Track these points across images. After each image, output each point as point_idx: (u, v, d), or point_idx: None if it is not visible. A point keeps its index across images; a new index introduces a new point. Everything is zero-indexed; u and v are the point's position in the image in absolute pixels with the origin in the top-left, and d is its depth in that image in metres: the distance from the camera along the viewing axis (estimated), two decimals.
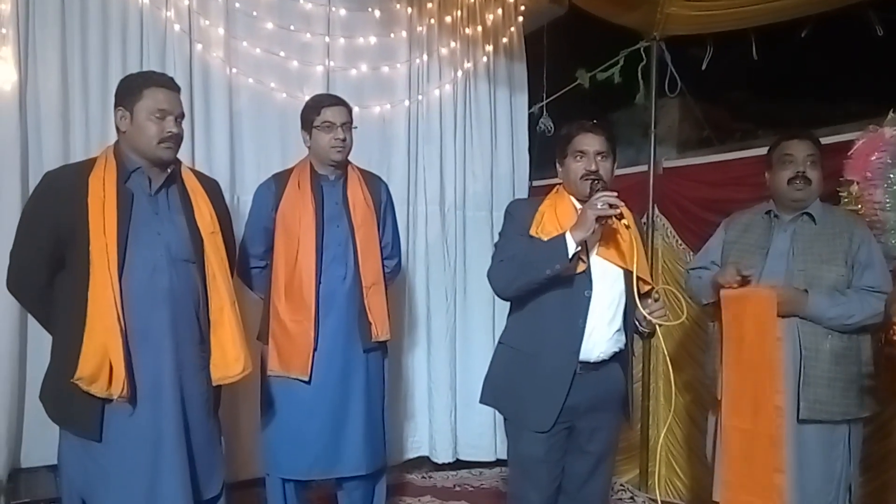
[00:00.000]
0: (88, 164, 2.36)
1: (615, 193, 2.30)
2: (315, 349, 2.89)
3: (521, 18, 4.45)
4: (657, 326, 2.41)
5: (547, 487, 2.51)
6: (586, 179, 2.43)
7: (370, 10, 4.03)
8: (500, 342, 2.66)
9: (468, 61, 4.32)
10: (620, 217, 2.29)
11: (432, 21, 4.20)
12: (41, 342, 2.90)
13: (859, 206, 2.76)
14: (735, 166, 3.62)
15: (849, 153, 2.79)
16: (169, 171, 2.41)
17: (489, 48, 4.37)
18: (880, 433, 2.82)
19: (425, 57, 4.20)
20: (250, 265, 3.05)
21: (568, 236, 2.31)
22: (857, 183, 2.76)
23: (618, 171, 4.17)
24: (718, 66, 4.02)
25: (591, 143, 2.47)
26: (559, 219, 2.47)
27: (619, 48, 4.23)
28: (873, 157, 2.72)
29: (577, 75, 4.44)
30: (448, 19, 4.22)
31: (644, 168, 4.08)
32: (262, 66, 3.79)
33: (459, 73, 4.31)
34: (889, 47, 3.42)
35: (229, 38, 3.69)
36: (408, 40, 4.14)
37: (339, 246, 2.97)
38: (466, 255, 4.33)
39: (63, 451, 2.37)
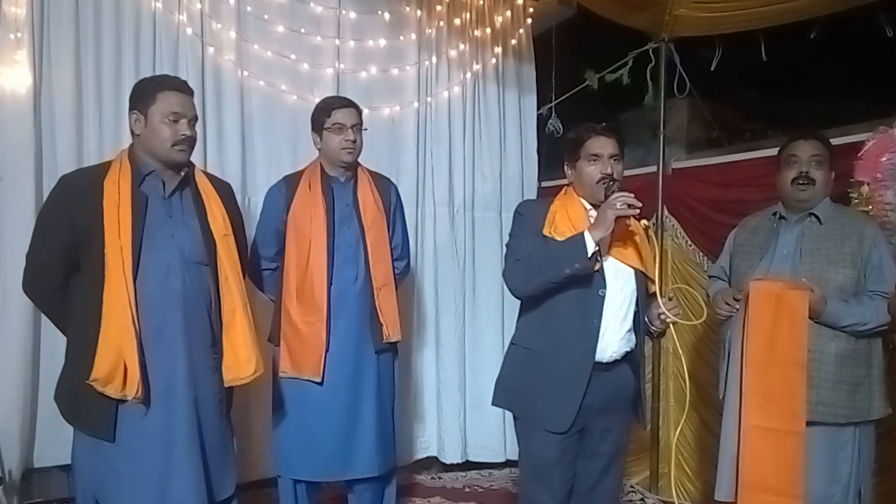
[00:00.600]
0: (103, 168, 2.38)
1: (632, 194, 2.31)
2: (327, 350, 2.91)
3: (529, 20, 4.46)
4: (670, 326, 2.42)
5: (560, 490, 2.51)
6: (602, 183, 2.45)
7: (380, 12, 4.05)
8: (512, 343, 2.67)
9: (477, 63, 4.34)
10: (640, 218, 2.30)
11: (441, 23, 4.21)
12: (54, 343, 2.94)
13: (869, 207, 2.76)
14: (744, 167, 3.61)
15: (859, 154, 2.79)
16: (182, 174, 2.43)
17: (498, 50, 4.38)
18: (892, 435, 2.80)
19: (434, 59, 4.21)
20: (261, 267, 3.06)
21: (587, 235, 2.32)
22: (868, 184, 2.76)
23: (627, 172, 4.17)
24: (727, 66, 4.01)
25: (604, 145, 2.48)
26: (571, 219, 2.48)
27: (627, 49, 4.23)
28: (883, 159, 2.73)
29: (585, 76, 4.44)
30: (457, 21, 4.23)
31: (653, 169, 4.08)
32: (273, 68, 3.81)
33: (468, 75, 4.32)
34: None
35: (241, 42, 3.71)
36: (417, 43, 4.15)
37: (349, 247, 2.98)
38: (475, 256, 4.34)
39: (77, 451, 2.39)
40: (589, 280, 2.40)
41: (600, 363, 2.44)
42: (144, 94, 2.39)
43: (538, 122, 4.60)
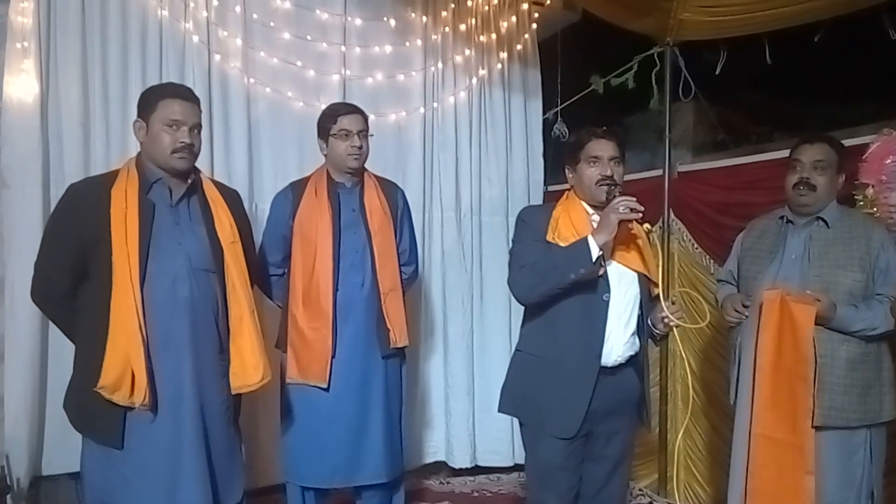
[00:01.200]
0: (111, 176, 2.40)
1: (634, 198, 2.32)
2: (333, 356, 2.91)
3: (534, 25, 4.46)
4: (673, 329, 2.42)
5: (566, 495, 2.52)
6: (602, 185, 2.45)
7: (385, 19, 4.06)
8: (517, 350, 2.67)
9: (483, 68, 4.34)
10: (643, 222, 2.31)
11: (447, 29, 4.22)
12: (62, 351, 2.95)
13: (874, 209, 2.75)
14: (750, 170, 3.60)
15: (864, 156, 2.78)
16: (189, 181, 2.45)
17: (503, 55, 4.39)
18: None
19: (440, 65, 4.22)
20: (268, 273, 3.06)
21: (590, 240, 2.33)
22: (873, 186, 2.76)
23: (633, 176, 4.23)
24: (732, 69, 4.01)
25: (604, 148, 2.49)
26: (574, 224, 2.49)
27: (632, 54, 4.24)
28: (888, 161, 2.72)
29: (591, 81, 4.45)
30: (462, 27, 4.24)
31: (659, 172, 4.08)
32: (279, 75, 3.82)
33: (474, 81, 4.32)
34: None
35: (247, 49, 3.72)
36: (423, 48, 4.16)
37: (356, 253, 2.99)
38: (483, 261, 4.34)
39: (85, 458, 2.40)
40: (593, 285, 2.40)
41: (605, 367, 2.44)
42: (147, 101, 2.41)
43: (544, 127, 4.60)
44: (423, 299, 4.17)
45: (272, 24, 3.80)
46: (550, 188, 4.54)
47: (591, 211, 2.53)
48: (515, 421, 2.78)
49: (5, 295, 3.13)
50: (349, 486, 3.08)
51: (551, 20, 4.47)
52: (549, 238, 2.48)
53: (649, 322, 2.48)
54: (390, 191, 3.17)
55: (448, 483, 4.23)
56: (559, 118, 4.57)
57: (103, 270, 2.27)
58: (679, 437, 3.82)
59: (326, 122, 3.01)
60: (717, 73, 4.02)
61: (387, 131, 4.02)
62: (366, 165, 3.09)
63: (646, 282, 2.50)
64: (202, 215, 2.45)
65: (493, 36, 4.34)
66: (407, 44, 4.13)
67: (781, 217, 2.74)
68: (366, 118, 3.06)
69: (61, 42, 3.29)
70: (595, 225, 2.42)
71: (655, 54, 4.11)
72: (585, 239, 2.34)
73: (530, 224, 2.58)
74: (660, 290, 2.39)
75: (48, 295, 2.45)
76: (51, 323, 2.78)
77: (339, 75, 3.96)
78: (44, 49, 3.23)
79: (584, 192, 2.54)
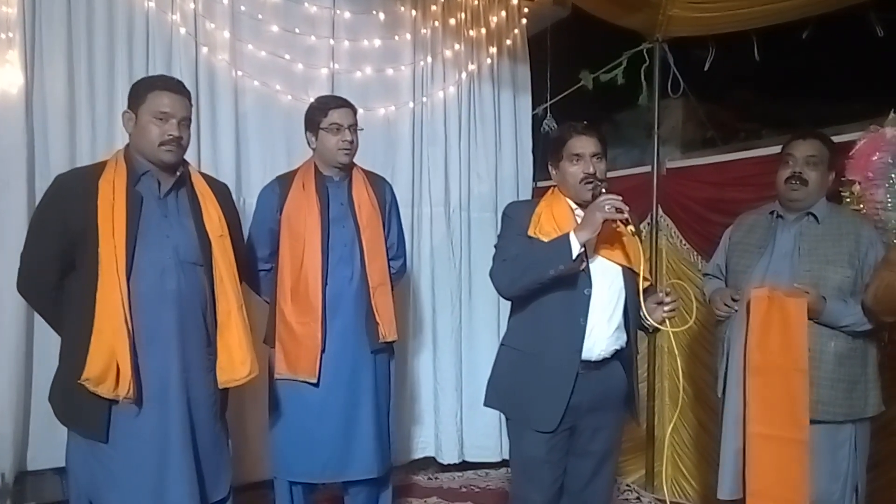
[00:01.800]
0: (99, 167, 2.38)
1: (620, 197, 2.31)
2: (323, 351, 2.89)
3: (524, 21, 4.46)
4: (667, 321, 2.41)
5: (549, 488, 2.52)
6: (587, 182, 2.45)
7: (374, 13, 4.04)
8: (502, 344, 2.67)
9: (472, 63, 4.34)
10: (627, 222, 2.30)
11: (436, 24, 4.21)
12: (48, 345, 2.92)
13: (861, 205, 2.77)
14: (738, 166, 3.63)
15: (850, 153, 2.80)
16: (178, 173, 2.43)
17: (493, 50, 4.39)
18: (886, 431, 2.81)
19: (429, 59, 4.21)
20: (256, 268, 3.04)
21: (572, 236, 2.31)
22: (859, 183, 2.78)
23: (621, 172, 4.24)
24: (721, 66, 4.03)
25: (585, 145, 2.48)
26: (556, 220, 2.48)
27: (621, 50, 4.24)
28: (875, 157, 2.74)
29: (580, 77, 4.46)
30: (452, 22, 4.23)
31: (647, 169, 4.09)
32: (267, 68, 3.80)
33: (463, 75, 4.32)
34: (889, 47, 3.43)
35: (235, 41, 3.70)
36: (412, 43, 4.15)
37: (344, 247, 2.97)
38: (471, 256, 4.34)
39: (70, 452, 2.39)
40: (574, 280, 2.40)
41: (588, 362, 2.43)
42: (137, 93, 2.39)
43: (533, 123, 4.61)
44: (411, 295, 4.16)
45: (260, 16, 3.78)
46: (539, 184, 4.54)
47: (575, 207, 2.52)
48: (503, 416, 2.77)
49: None
50: (338, 481, 3.07)
51: (541, 15, 4.47)
52: (530, 233, 2.48)
53: (642, 313, 2.47)
54: (378, 185, 3.15)
55: (436, 478, 4.23)
56: (548, 114, 4.58)
57: (90, 262, 2.24)
58: (668, 432, 3.84)
59: (316, 116, 2.98)
60: (706, 69, 4.03)
61: (376, 126, 4.01)
62: (355, 160, 3.07)
63: (632, 276, 2.48)
64: (190, 208, 2.43)
65: (483, 31, 4.34)
66: (396, 38, 4.12)
67: (772, 212, 2.75)
68: (356, 112, 3.03)
69: (47, 33, 3.25)
70: (579, 220, 2.42)
71: (644, 50, 4.12)
72: (567, 235, 2.33)
73: (514, 219, 2.58)
74: (648, 283, 2.37)
75: (34, 287, 2.43)
76: (37, 315, 2.76)
77: (328, 69, 3.94)
78: (29, 40, 3.19)
79: (568, 190, 2.54)
